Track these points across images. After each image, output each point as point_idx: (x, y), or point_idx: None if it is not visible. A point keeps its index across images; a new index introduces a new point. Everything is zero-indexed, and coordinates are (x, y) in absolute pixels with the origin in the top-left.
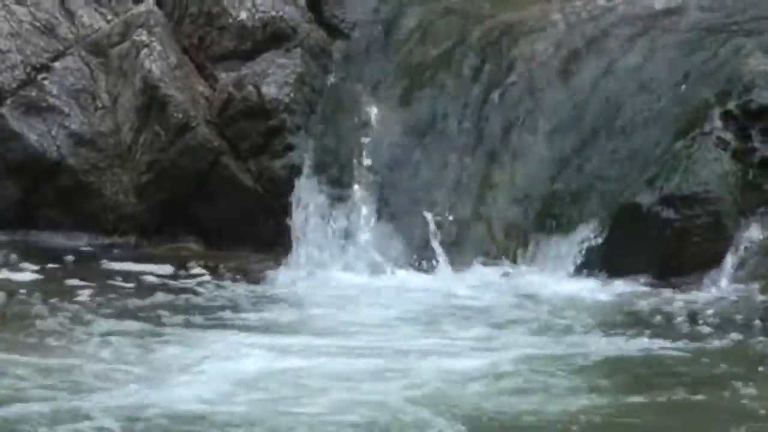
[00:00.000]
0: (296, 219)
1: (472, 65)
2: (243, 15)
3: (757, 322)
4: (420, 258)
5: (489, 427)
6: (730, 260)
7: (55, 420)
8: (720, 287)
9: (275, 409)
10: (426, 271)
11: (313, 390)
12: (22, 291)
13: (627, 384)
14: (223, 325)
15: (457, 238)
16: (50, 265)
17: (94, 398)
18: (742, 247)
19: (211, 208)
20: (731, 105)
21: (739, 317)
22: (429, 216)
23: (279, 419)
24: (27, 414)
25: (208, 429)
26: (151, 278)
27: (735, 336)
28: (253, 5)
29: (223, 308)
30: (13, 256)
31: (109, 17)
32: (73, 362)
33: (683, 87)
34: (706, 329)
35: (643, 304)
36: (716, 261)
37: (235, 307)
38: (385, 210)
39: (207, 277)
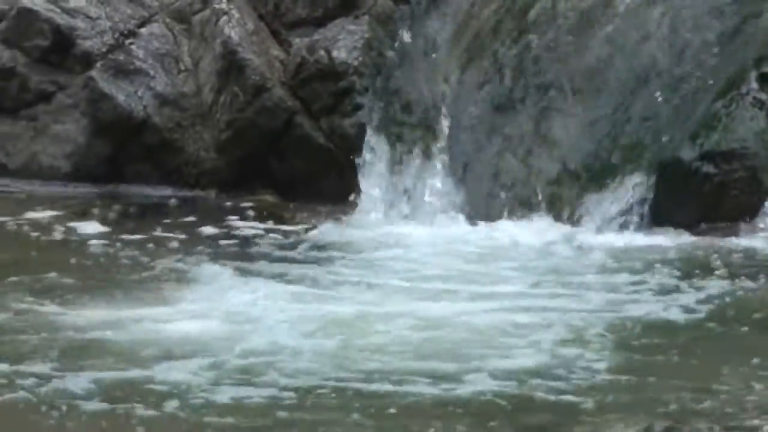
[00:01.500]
0: (365, 173)
1: (521, 30)
2: None
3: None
4: (482, 211)
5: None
6: (764, 210)
7: (170, 341)
8: (757, 236)
9: (358, 329)
10: (487, 223)
11: (379, 317)
12: (110, 239)
13: (681, 321)
14: (300, 268)
15: (516, 193)
16: (136, 216)
17: (196, 338)
18: None
19: (285, 163)
20: (767, 68)
21: None
22: (490, 171)
23: (361, 340)
24: (148, 330)
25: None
26: (231, 227)
27: (759, 283)
28: None
29: (297, 253)
30: (103, 208)
31: None
32: (172, 298)
33: (722, 50)
34: (744, 273)
35: (688, 248)
36: (753, 212)
37: (307, 253)
38: (449, 165)
39: (282, 226)
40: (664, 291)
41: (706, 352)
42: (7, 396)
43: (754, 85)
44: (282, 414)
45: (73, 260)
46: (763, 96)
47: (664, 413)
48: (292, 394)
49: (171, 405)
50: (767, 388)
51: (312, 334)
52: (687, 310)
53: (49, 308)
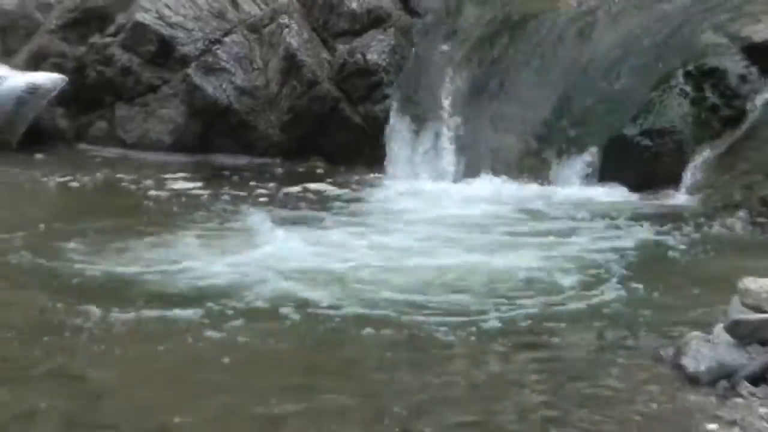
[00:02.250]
0: (391, 145)
1: (509, 36)
2: (354, 5)
3: (703, 218)
4: (475, 171)
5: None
6: (686, 175)
7: (239, 265)
8: (681, 193)
9: (386, 262)
10: (478, 180)
11: (412, 241)
12: (201, 193)
13: (625, 250)
14: (348, 214)
15: (499, 158)
16: (220, 176)
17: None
18: (695, 166)
19: (331, 138)
20: (690, 67)
21: (693, 214)
22: (480, 142)
23: (393, 267)
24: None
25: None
26: (289, 184)
27: (690, 227)
28: (362, 0)
29: (343, 202)
30: (195, 171)
31: (262, 6)
32: (247, 241)
33: (656, 54)
34: (666, 217)
35: (628, 205)
36: (679, 176)
37: (351, 202)
38: (455, 136)
39: (331, 186)
40: (610, 228)
41: (641, 272)
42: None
43: (681, 80)
44: (321, 322)
45: (174, 206)
46: (687, 88)
47: (615, 321)
48: (329, 305)
49: (240, 300)
50: (694, 305)
51: (352, 261)
52: (627, 242)
53: (161, 235)
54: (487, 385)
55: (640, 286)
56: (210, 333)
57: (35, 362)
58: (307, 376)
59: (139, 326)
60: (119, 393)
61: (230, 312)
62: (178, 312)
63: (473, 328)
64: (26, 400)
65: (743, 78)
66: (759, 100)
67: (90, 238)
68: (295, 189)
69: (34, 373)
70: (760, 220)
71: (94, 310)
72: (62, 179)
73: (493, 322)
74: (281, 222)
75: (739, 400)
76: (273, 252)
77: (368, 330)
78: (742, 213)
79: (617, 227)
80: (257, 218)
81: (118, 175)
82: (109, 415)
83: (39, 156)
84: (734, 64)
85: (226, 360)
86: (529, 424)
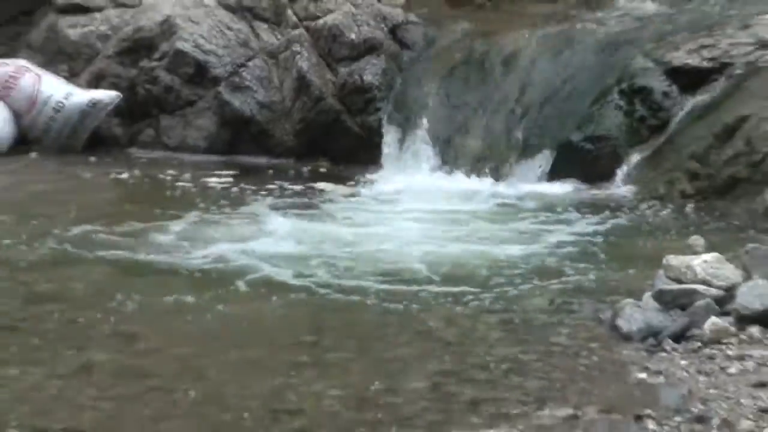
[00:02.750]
0: (382, 148)
1: (476, 62)
2: (353, 36)
3: (634, 208)
4: (451, 169)
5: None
6: (621, 173)
7: (255, 238)
8: (617, 188)
9: (384, 239)
10: (454, 176)
11: (380, 230)
12: (228, 186)
13: (572, 234)
14: (344, 204)
15: (471, 159)
16: (244, 173)
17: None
18: (628, 166)
19: (334, 143)
20: (623, 86)
21: (626, 204)
22: (454, 146)
23: (388, 241)
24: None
25: (362, 245)
26: (299, 180)
27: (623, 214)
28: (359, 31)
29: (341, 195)
30: (224, 169)
31: (279, 36)
32: (262, 226)
33: (597, 75)
34: (604, 207)
35: (574, 197)
36: (614, 173)
37: (350, 196)
38: (434, 141)
39: (332, 183)
40: (559, 215)
41: (584, 250)
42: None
43: (616, 96)
44: (325, 294)
45: (206, 196)
46: (621, 103)
47: (563, 290)
48: (333, 281)
49: (249, 279)
50: (627, 278)
51: (347, 244)
52: (573, 226)
53: (194, 218)
54: (460, 342)
55: (584, 261)
56: (232, 300)
57: (94, 325)
58: (314, 335)
59: (176, 293)
60: (160, 349)
61: (248, 284)
62: (206, 282)
63: (449, 297)
64: (86, 354)
65: (666, 94)
66: (678, 114)
67: (137, 220)
68: (303, 184)
69: (93, 334)
70: (680, 208)
71: (141, 281)
72: (117, 176)
73: (465, 292)
74: (290, 211)
75: (664, 354)
76: (282, 235)
77: (362, 299)
78: (665, 203)
79: (565, 215)
80: (272, 208)
81: (161, 173)
82: (152, 366)
83: (95, 158)
84: (659, 84)
85: (245, 323)
86: (494, 373)
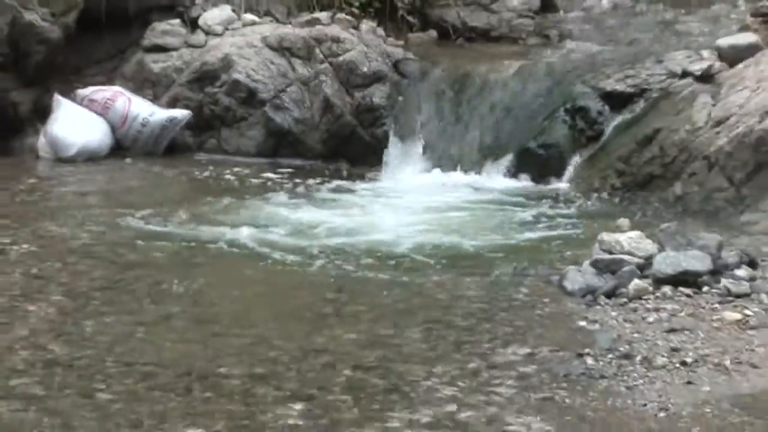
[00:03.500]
0: (388, 153)
1: (459, 88)
2: (365, 69)
3: (576, 198)
4: (441, 169)
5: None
6: (567, 172)
7: (297, 223)
8: (563, 183)
9: (388, 221)
10: (445, 173)
11: (384, 215)
12: (271, 181)
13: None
14: (360, 194)
15: (454, 161)
16: (283, 172)
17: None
18: (571, 166)
19: (351, 149)
20: (568, 106)
21: (570, 195)
22: (442, 150)
23: (388, 226)
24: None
25: (368, 231)
26: (326, 177)
27: (569, 203)
28: (370, 65)
29: (355, 188)
30: (269, 170)
31: (309, 70)
32: (301, 203)
33: (545, 97)
34: (557, 200)
35: (531, 190)
36: (562, 172)
37: (363, 188)
38: (426, 147)
39: (348, 180)
40: (519, 204)
41: (539, 230)
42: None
43: (562, 113)
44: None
45: (254, 188)
46: (566, 119)
47: (523, 259)
48: (346, 249)
49: (294, 252)
50: (572, 250)
51: (337, 231)
52: (530, 211)
53: (244, 204)
54: (446, 299)
55: (538, 238)
56: (274, 267)
57: (171, 285)
58: (335, 293)
59: (234, 261)
60: (221, 304)
61: (286, 255)
62: (255, 252)
63: (438, 265)
64: (165, 308)
65: (599, 112)
66: (609, 127)
67: (204, 205)
68: (328, 180)
69: (170, 292)
70: (610, 198)
71: (207, 253)
72: (188, 174)
73: (449, 262)
74: (317, 200)
75: (598, 307)
76: (311, 217)
77: (372, 266)
78: (599, 194)
79: (524, 203)
80: (303, 197)
81: (222, 171)
82: (215, 317)
83: (172, 161)
84: (594, 104)
85: (284, 285)
86: (471, 322)
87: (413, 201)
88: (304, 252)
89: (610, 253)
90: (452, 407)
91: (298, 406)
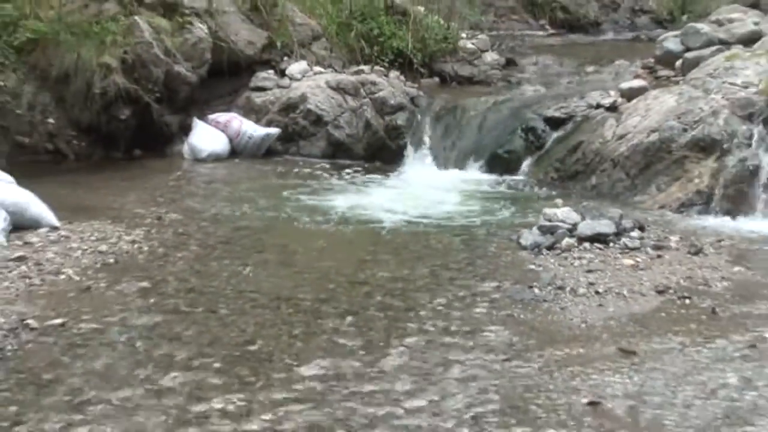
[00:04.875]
0: (406, 156)
1: (453, 112)
2: (393, 102)
3: (527, 186)
4: (442, 167)
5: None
6: (522, 169)
7: (349, 207)
8: (520, 176)
9: (398, 206)
10: (445, 170)
11: (404, 195)
12: (331, 173)
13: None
14: (387, 183)
15: (450, 161)
16: (339, 168)
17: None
18: (524, 165)
19: (383, 154)
20: (523, 126)
21: (524, 185)
22: (443, 152)
23: (399, 208)
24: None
25: (375, 213)
26: (363, 171)
27: (524, 190)
28: (395, 100)
29: (384, 179)
30: (330, 166)
31: (357, 102)
32: (334, 197)
33: (507, 121)
34: (515, 188)
35: (500, 179)
36: (518, 169)
37: (388, 179)
38: (431, 152)
39: (379, 173)
40: (489, 190)
41: (503, 206)
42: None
43: (520, 132)
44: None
45: (321, 178)
46: (522, 135)
47: (493, 225)
48: (365, 220)
49: (324, 221)
50: (525, 219)
51: (374, 206)
52: (497, 195)
53: (314, 188)
54: (443, 250)
55: (504, 211)
56: (334, 227)
57: (266, 240)
58: (372, 246)
59: (309, 223)
60: (299, 252)
61: (340, 219)
62: (322, 219)
63: (437, 228)
64: (262, 256)
65: (543, 130)
66: (549, 140)
67: (290, 188)
68: (367, 173)
69: (265, 245)
70: (550, 186)
71: (290, 219)
72: (277, 169)
73: (445, 225)
74: (361, 185)
75: (542, 256)
76: (357, 195)
77: (397, 228)
78: (543, 183)
79: (494, 189)
80: (350, 183)
81: (300, 167)
82: (294, 261)
83: (268, 161)
84: (539, 125)
85: (339, 240)
86: (460, 266)
87: (421, 187)
88: (350, 218)
89: (550, 221)
90: (447, 321)
91: (348, 318)
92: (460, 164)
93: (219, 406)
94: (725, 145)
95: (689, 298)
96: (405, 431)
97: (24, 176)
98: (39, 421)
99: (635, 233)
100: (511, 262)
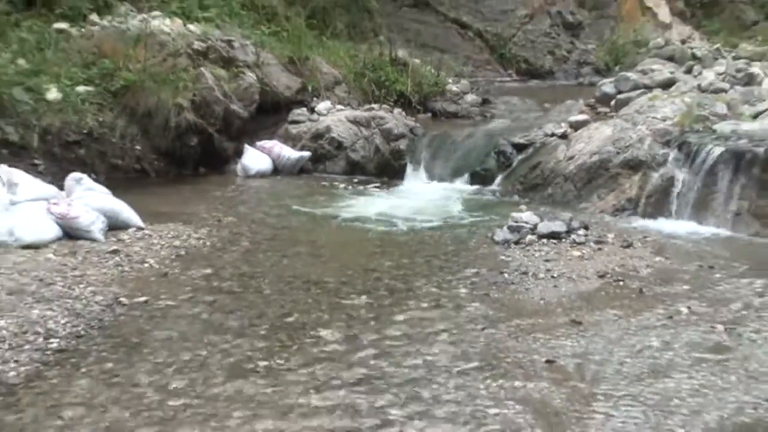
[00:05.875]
0: (407, 173)
1: (442, 140)
2: (396, 131)
3: (500, 195)
4: (434, 180)
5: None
6: (496, 182)
7: (354, 209)
8: (494, 187)
9: (394, 210)
10: (438, 182)
11: (405, 202)
12: (347, 186)
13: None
14: (392, 192)
15: (440, 176)
16: (355, 182)
17: (354, 208)
18: (497, 179)
19: (389, 171)
20: (496, 149)
21: (497, 194)
22: (434, 168)
23: (397, 212)
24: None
25: (377, 217)
26: (375, 185)
27: (495, 196)
28: (398, 129)
29: (387, 190)
30: (348, 181)
31: (368, 131)
32: (359, 199)
33: (484, 144)
34: (491, 197)
35: (479, 190)
36: (493, 182)
37: (391, 190)
38: (428, 166)
39: (385, 186)
40: (469, 197)
41: (479, 210)
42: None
43: (493, 153)
44: (370, 226)
45: (338, 190)
46: (494, 156)
47: (472, 225)
48: (376, 220)
49: (340, 224)
50: (498, 220)
51: (382, 211)
52: (474, 201)
53: (334, 197)
54: (434, 244)
55: (482, 214)
56: (348, 229)
57: (299, 237)
58: (379, 242)
59: (328, 225)
60: (325, 245)
61: (352, 222)
62: (338, 222)
63: (431, 227)
64: (297, 248)
65: (511, 153)
66: (515, 160)
67: (315, 197)
68: (376, 186)
69: (300, 240)
70: (517, 196)
71: (315, 221)
72: (309, 183)
73: (437, 226)
74: (371, 195)
75: (510, 249)
76: (367, 203)
77: (399, 229)
78: (511, 194)
79: (474, 197)
80: (363, 194)
81: (325, 181)
82: (323, 252)
83: (301, 177)
84: (508, 149)
85: (350, 237)
86: (448, 256)
87: (418, 196)
88: (364, 220)
89: (516, 222)
90: (438, 299)
91: (362, 297)
92: (448, 178)
93: (264, 363)
94: (649, 164)
95: (622, 280)
96: (406, 382)
97: (117, 189)
98: (130, 374)
99: (581, 231)
100: (486, 254)
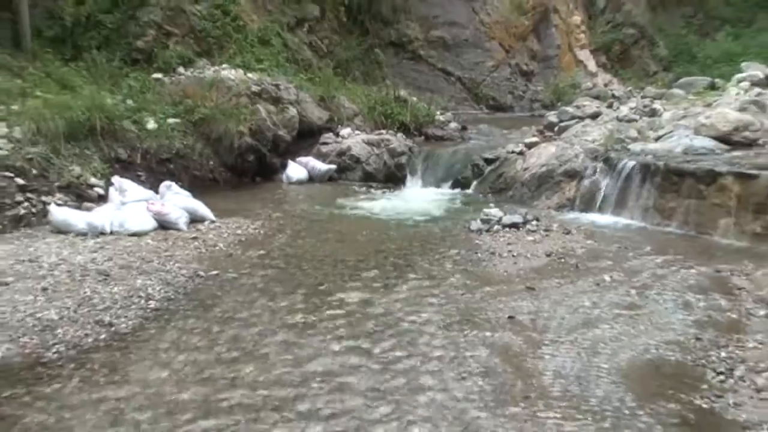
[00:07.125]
0: (406, 181)
1: (432, 156)
2: (399, 149)
3: (480, 195)
4: (427, 186)
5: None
6: (472, 187)
7: (360, 208)
8: (471, 191)
9: (388, 212)
10: (427, 188)
11: (405, 202)
12: (362, 190)
13: (447, 208)
14: (395, 195)
15: (432, 182)
16: (368, 187)
17: (363, 207)
18: (473, 185)
19: (393, 178)
20: (472, 163)
21: (475, 195)
22: (429, 175)
23: (394, 213)
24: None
25: (372, 217)
26: (383, 189)
27: (473, 197)
28: (400, 149)
29: (391, 193)
30: (365, 186)
31: (378, 149)
32: (366, 201)
33: (465, 159)
34: (468, 198)
35: (460, 192)
36: (469, 187)
37: (394, 193)
38: (422, 175)
39: (390, 190)
40: (452, 199)
41: (459, 208)
42: (353, 215)
43: (470, 166)
44: (378, 222)
45: (354, 193)
46: (471, 168)
47: (451, 219)
48: (381, 216)
49: (365, 218)
50: (474, 214)
51: (388, 208)
52: (457, 201)
53: (357, 198)
54: (426, 234)
55: (462, 211)
56: (361, 221)
57: (328, 229)
58: (385, 232)
59: (348, 218)
60: (346, 234)
61: (365, 216)
62: (354, 215)
63: (423, 220)
64: (326, 235)
65: (483, 165)
66: (486, 171)
67: (339, 198)
68: (384, 190)
69: (329, 229)
70: (488, 197)
71: (340, 216)
72: (336, 188)
73: (429, 220)
74: (381, 196)
75: (482, 236)
76: (376, 202)
77: (400, 222)
78: (485, 196)
79: (456, 198)
80: (374, 197)
81: (347, 187)
82: (345, 238)
83: (330, 184)
84: (481, 162)
85: (361, 228)
86: (437, 241)
87: (415, 198)
88: (375, 214)
89: (487, 215)
90: (429, 272)
91: (374, 271)
92: (437, 184)
93: (302, 320)
94: (582, 174)
95: (563, 258)
96: (406, 332)
97: (196, 192)
98: (206, 326)
99: (534, 222)
100: (465, 239)
